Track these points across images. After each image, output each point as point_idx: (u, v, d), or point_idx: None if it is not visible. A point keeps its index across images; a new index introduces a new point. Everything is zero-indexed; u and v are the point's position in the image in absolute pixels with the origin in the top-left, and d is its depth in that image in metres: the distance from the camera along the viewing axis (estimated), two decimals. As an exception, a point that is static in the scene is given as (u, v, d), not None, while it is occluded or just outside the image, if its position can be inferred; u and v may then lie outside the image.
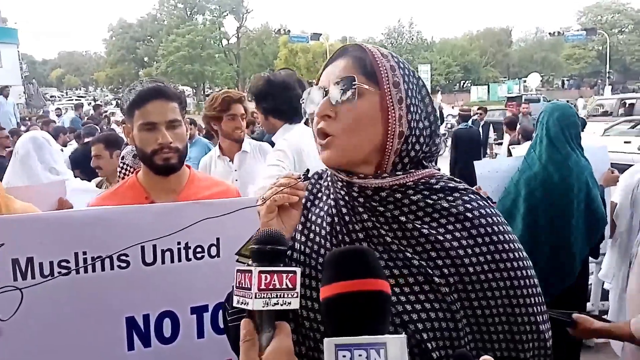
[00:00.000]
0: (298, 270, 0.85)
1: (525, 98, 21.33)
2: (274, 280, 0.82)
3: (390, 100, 0.99)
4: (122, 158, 2.97)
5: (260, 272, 0.81)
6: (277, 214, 1.03)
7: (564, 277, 3.03)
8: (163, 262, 1.62)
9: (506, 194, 3.12)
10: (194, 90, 60.40)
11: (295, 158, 2.53)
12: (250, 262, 1.17)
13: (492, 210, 1.03)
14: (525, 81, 43.14)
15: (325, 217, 1.08)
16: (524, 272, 1.01)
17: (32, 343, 1.51)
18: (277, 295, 0.82)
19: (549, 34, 49.35)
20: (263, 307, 0.81)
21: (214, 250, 1.68)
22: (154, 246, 1.59)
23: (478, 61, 57.41)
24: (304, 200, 1.10)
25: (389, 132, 0.99)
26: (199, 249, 1.66)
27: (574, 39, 45.87)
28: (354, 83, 0.98)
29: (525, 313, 1.00)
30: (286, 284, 0.83)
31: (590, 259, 3.44)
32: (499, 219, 1.03)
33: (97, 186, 3.73)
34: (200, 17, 61.97)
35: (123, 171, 2.93)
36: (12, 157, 3.08)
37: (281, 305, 0.82)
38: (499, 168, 3.29)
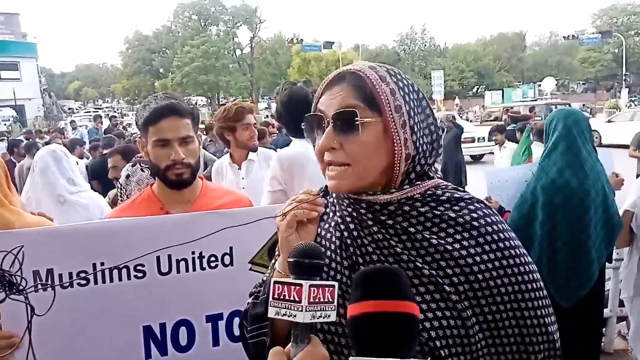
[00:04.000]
0: (336, 284, 0.87)
1: (547, 103, 21.29)
2: (319, 294, 0.84)
3: (394, 126, 1.00)
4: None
5: (310, 286, 0.84)
6: (295, 229, 1.06)
7: (583, 282, 3.00)
8: (178, 271, 1.65)
9: (522, 202, 3.10)
10: (209, 100, 60.82)
11: (289, 174, 2.64)
12: (268, 272, 1.19)
13: (497, 218, 1.06)
14: (540, 85, 42.73)
15: (334, 231, 1.09)
16: (530, 276, 1.03)
17: (52, 350, 1.54)
18: (321, 309, 0.84)
19: (564, 37, 48.83)
20: (311, 319, 0.83)
21: (227, 259, 1.70)
22: (169, 256, 1.63)
23: (492, 66, 56.97)
24: None
25: (396, 156, 1.00)
26: (212, 258, 1.68)
27: (589, 42, 45.40)
28: (356, 119, 0.99)
29: (534, 316, 1.02)
30: (327, 298, 0.85)
31: (607, 265, 3.41)
32: (503, 226, 1.06)
33: (114, 197, 3.79)
34: (214, 28, 62.45)
35: (119, 193, 2.98)
36: (31, 171, 3.15)
37: (324, 318, 0.84)
38: (508, 177, 3.27)
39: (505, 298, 1.00)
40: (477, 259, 1.00)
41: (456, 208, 1.04)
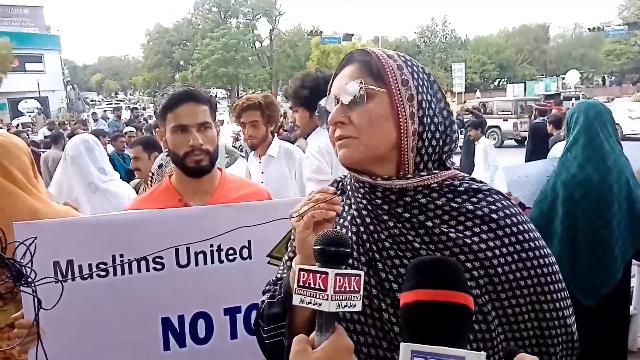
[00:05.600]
0: (362, 273, 0.86)
1: (564, 96, 21.00)
2: (345, 283, 0.83)
3: (400, 98, 1.00)
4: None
5: (336, 274, 0.83)
6: (312, 229, 1.05)
7: (605, 280, 2.93)
8: (197, 264, 1.66)
9: (542, 197, 3.04)
10: (228, 93, 61.13)
11: (330, 162, 2.63)
12: (281, 270, 1.18)
13: (516, 210, 1.05)
14: (563, 78, 41.91)
15: (350, 227, 1.08)
16: (549, 268, 1.03)
17: (71, 341, 1.56)
18: (346, 298, 0.83)
19: (588, 29, 47.61)
20: (337, 309, 0.82)
21: (245, 252, 1.70)
22: (188, 249, 1.63)
23: (514, 59, 56.05)
24: None
25: (402, 129, 1.00)
26: (231, 251, 1.69)
27: (615, 34, 44.22)
28: (361, 86, 1.00)
29: (553, 309, 1.02)
30: (353, 287, 0.84)
31: (633, 261, 3.33)
32: (523, 218, 1.05)
33: (135, 187, 3.84)
34: (234, 20, 62.56)
35: (150, 181, 3.04)
36: (62, 160, 3.21)
37: (349, 307, 0.84)
38: (530, 172, 3.21)
39: (525, 292, 1.00)
40: (497, 252, 0.99)
41: (474, 200, 1.03)
